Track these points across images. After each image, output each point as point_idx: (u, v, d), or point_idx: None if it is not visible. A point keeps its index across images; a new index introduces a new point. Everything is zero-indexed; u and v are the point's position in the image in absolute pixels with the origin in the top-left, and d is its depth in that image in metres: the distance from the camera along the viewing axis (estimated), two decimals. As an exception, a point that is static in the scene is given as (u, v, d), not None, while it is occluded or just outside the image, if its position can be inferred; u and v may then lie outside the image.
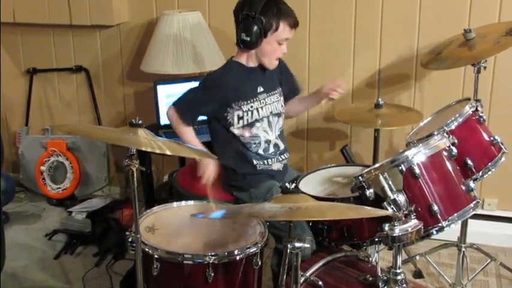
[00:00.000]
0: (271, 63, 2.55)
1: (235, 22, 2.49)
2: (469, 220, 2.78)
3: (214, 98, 2.52)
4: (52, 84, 4.04)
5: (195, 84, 3.31)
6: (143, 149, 1.76)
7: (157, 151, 1.78)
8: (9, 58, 4.07)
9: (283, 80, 2.71)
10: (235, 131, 2.55)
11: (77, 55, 3.93)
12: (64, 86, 4.02)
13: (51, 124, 4.06)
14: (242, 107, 2.53)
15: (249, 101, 2.54)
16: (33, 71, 4.01)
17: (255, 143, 2.57)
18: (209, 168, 2.58)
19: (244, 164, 2.57)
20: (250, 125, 2.55)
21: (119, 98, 3.92)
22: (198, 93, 2.58)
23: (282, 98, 2.68)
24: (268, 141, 2.60)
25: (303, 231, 2.21)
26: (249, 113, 2.54)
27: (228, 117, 2.53)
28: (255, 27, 2.39)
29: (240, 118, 2.53)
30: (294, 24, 2.47)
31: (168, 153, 1.81)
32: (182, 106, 2.58)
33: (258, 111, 2.56)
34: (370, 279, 1.96)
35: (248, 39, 2.41)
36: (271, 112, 2.60)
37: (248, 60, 2.56)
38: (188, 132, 2.59)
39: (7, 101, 4.13)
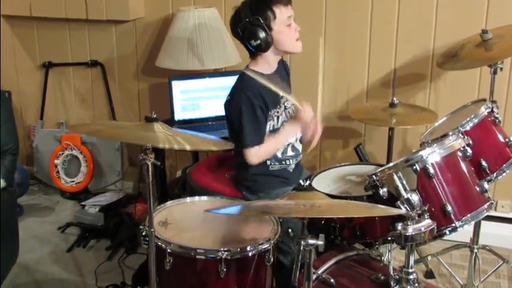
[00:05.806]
0: (296, 47, 2.48)
1: (238, 38, 2.48)
2: (482, 222, 2.77)
3: (263, 109, 2.46)
4: (67, 79, 4.07)
5: (209, 80, 3.38)
6: (161, 146, 1.76)
7: (176, 147, 1.79)
8: (25, 52, 4.10)
9: None
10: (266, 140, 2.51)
11: (92, 50, 3.95)
12: (79, 80, 4.05)
13: (66, 118, 4.09)
14: (273, 115, 2.51)
15: (275, 108, 2.51)
16: (49, 65, 4.03)
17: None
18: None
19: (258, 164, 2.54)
20: (275, 131, 2.52)
21: (134, 93, 3.93)
22: (251, 117, 2.43)
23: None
24: (289, 144, 2.58)
25: None
26: (275, 119, 2.52)
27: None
28: (258, 29, 2.37)
29: (270, 128, 2.51)
30: (286, 1, 2.42)
31: (188, 148, 1.82)
32: (255, 139, 2.44)
33: (281, 116, 2.54)
34: (382, 278, 1.96)
35: (259, 42, 2.38)
36: (291, 115, 2.58)
37: (264, 66, 2.51)
38: (264, 146, 2.48)
39: (22, 94, 4.16)
